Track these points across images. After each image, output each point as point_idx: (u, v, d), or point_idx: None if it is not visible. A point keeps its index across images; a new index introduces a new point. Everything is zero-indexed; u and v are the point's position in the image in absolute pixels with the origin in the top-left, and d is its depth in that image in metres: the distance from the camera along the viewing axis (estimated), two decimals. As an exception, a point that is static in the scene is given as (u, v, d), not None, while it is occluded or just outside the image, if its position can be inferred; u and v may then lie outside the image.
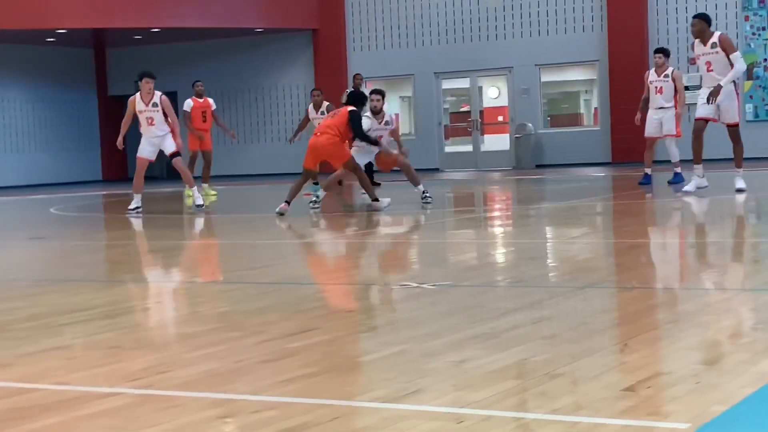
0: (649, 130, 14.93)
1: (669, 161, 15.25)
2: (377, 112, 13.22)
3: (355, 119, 12.51)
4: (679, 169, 14.79)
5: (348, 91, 16.64)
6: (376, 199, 12.65)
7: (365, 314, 5.82)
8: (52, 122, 28.79)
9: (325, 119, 13.12)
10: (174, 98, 26.49)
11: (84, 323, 5.61)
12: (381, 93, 13.42)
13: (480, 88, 26.19)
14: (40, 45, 27.54)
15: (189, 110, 18.05)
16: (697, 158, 12.53)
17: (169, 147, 14.19)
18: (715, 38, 12.38)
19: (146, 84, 14.12)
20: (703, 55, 12.44)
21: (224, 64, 28.18)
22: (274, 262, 8.52)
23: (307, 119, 17.55)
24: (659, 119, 14.81)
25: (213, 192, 17.53)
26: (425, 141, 25.59)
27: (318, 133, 12.79)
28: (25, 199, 20.80)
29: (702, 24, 12.60)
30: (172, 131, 14.19)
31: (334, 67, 26.72)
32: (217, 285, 7.40)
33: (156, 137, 14.20)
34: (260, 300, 6.30)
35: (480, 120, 25.99)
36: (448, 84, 26.35)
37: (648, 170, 14.95)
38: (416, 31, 26.05)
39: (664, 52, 15.07)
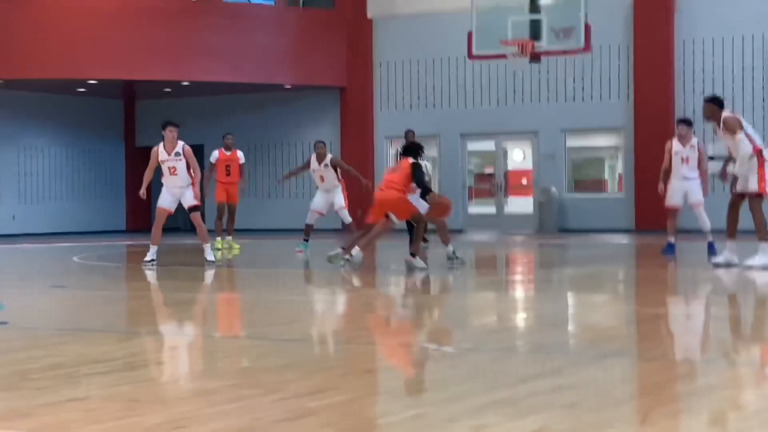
0: (674, 200, 14.82)
1: (689, 230, 15.14)
2: None
3: (417, 170, 12.90)
4: (711, 238, 14.59)
5: (403, 145, 16.71)
6: (414, 255, 12.75)
7: (385, 375, 5.80)
8: (78, 171, 29.00)
9: (388, 174, 13.25)
10: (201, 151, 26.66)
11: (103, 375, 5.61)
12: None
13: (505, 151, 26.26)
14: (70, 94, 27.83)
15: (214, 162, 18.19)
16: (730, 231, 12.32)
17: (189, 200, 14.18)
18: (721, 122, 12.34)
19: (170, 132, 14.21)
20: (719, 137, 12.45)
21: (252, 118, 28.38)
22: (295, 319, 8.51)
23: (307, 167, 17.59)
24: (684, 189, 14.72)
25: (237, 245, 17.58)
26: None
27: (384, 188, 13.00)
28: (49, 247, 20.90)
29: (711, 107, 12.57)
30: (193, 183, 14.22)
31: (361, 125, 26.87)
32: (236, 340, 7.39)
33: (177, 188, 14.23)
34: (279, 357, 6.29)
35: (504, 182, 26.03)
36: (473, 146, 26.43)
37: (671, 239, 14.85)
38: (443, 92, 26.19)
39: (688, 122, 14.97)
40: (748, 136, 12.21)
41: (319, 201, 16.96)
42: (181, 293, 11.15)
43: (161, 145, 14.27)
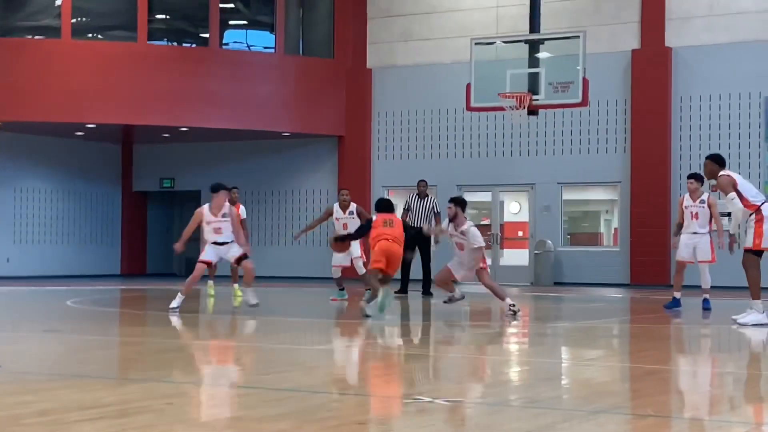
0: (682, 254, 14.82)
1: (696, 286, 15.14)
2: (451, 219, 13.94)
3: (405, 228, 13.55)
4: (708, 296, 14.70)
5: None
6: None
7: (377, 427, 5.77)
8: (74, 214, 29.01)
9: (389, 228, 13.38)
10: (197, 197, 26.74)
11: (94, 421, 5.57)
12: (456, 201, 14.01)
13: (501, 203, 26.31)
14: (68, 137, 27.90)
15: None
16: (755, 291, 12.22)
17: (236, 252, 14.47)
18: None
19: (221, 197, 14.42)
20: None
21: (250, 165, 28.44)
22: (290, 368, 8.48)
23: (327, 217, 17.48)
24: (693, 244, 14.74)
25: (239, 293, 17.54)
26: (445, 251, 25.59)
27: (390, 240, 13.24)
28: (43, 290, 20.85)
29: (711, 165, 12.67)
30: (237, 240, 14.47)
31: (359, 174, 26.94)
32: (230, 389, 7.36)
33: (223, 245, 14.46)
34: (273, 407, 6.26)
35: (500, 234, 26.05)
36: (470, 197, 26.28)
37: (677, 294, 14.84)
38: (440, 142, 26.29)
39: (697, 177, 14.87)
40: (740, 195, 12.22)
41: (338, 256, 16.60)
42: (176, 340, 11.11)
43: (207, 206, 14.47)
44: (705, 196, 14.75)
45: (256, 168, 28.46)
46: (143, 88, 24.44)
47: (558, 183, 25.17)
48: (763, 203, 12.23)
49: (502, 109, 20.65)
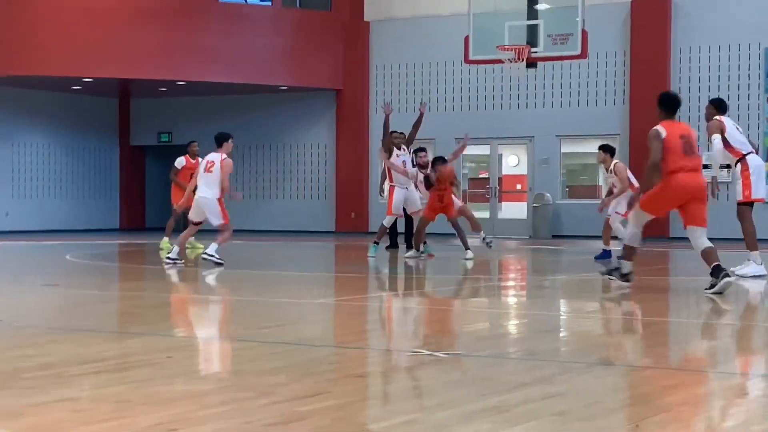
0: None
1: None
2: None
3: None
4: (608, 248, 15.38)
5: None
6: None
7: (376, 380, 5.80)
8: (72, 169, 28.96)
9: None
10: (195, 151, 26.64)
11: (94, 375, 5.60)
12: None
13: (500, 156, 26.27)
14: (65, 92, 27.80)
15: (180, 168, 18.19)
16: (751, 243, 12.16)
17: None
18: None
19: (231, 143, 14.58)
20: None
21: (247, 119, 28.36)
22: (287, 322, 8.50)
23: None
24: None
25: (200, 245, 17.27)
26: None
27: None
28: (41, 245, 20.87)
29: (709, 108, 12.66)
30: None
31: (356, 128, 26.87)
32: (229, 342, 7.38)
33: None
34: (272, 360, 6.28)
35: (498, 187, 26.03)
36: (468, 150, 26.37)
37: (607, 247, 15.56)
38: (438, 96, 26.19)
39: (605, 149, 15.72)
40: (726, 141, 12.19)
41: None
42: (174, 294, 11.14)
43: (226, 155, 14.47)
44: (612, 165, 15.46)
45: (253, 122, 28.38)
46: (140, 42, 24.32)
47: (556, 136, 25.12)
48: (748, 153, 12.24)
49: (500, 61, 20.56)
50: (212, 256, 13.86)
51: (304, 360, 6.36)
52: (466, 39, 20.78)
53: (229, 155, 14.49)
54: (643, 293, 10.77)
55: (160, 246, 17.59)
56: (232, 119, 28.06)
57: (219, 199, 14.23)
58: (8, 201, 27.42)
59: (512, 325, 8.58)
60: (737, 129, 12.53)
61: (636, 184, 14.92)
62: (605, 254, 15.40)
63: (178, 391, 5.18)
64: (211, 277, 12.92)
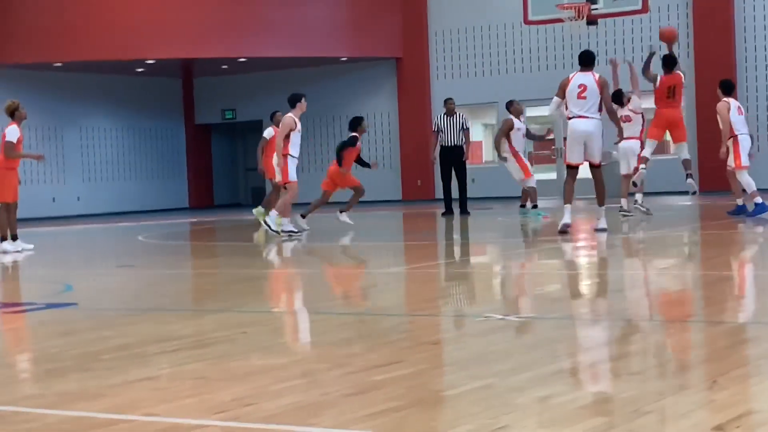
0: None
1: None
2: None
3: None
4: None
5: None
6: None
7: (450, 347, 5.82)
8: (139, 151, 29.29)
9: None
10: (259, 127, 26.79)
11: (172, 353, 5.68)
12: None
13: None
14: (129, 75, 28.08)
15: (269, 138, 18.14)
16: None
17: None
18: None
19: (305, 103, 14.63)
20: None
21: (309, 91, 28.28)
22: (358, 293, 8.54)
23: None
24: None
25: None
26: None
27: None
28: (114, 227, 21.17)
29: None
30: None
31: (418, 95, 26.83)
32: (301, 315, 7.44)
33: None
34: (344, 331, 6.33)
35: (564, 148, 25.78)
36: (532, 112, 26.24)
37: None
38: (500, 58, 26.03)
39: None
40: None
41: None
42: (246, 269, 11.23)
43: (294, 114, 14.50)
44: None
45: (315, 95, 28.36)
46: (200, 21, 24.47)
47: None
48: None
49: (560, 21, 20.36)
50: (269, 226, 14.03)
51: (376, 330, 6.39)
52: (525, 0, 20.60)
53: (298, 117, 14.49)
54: (715, 247, 10.65)
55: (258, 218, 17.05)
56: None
57: (284, 156, 14.27)
58: (79, 185, 27.81)
59: (584, 286, 8.53)
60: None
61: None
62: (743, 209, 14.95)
63: (255, 366, 5.25)
64: (280, 251, 13.01)
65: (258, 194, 28.29)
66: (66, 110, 27.42)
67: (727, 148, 14.55)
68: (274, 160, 14.60)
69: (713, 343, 5.46)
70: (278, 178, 14.47)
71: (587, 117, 13.00)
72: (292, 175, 14.28)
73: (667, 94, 15.25)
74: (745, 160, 14.64)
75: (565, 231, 12.60)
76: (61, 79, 26.91)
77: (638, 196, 15.68)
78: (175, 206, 29.53)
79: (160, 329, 6.64)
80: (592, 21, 20.39)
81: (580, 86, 12.99)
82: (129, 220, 23.46)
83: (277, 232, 14.12)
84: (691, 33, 23.87)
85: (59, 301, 8.35)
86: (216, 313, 7.51)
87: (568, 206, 12.96)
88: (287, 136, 14.25)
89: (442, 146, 18.56)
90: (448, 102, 18.91)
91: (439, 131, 18.67)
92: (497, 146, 16.99)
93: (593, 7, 19.81)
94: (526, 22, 21.10)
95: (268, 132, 18.16)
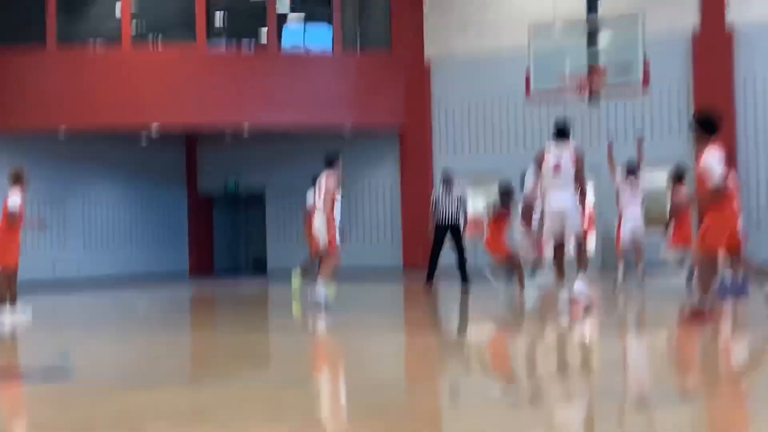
0: None
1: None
2: None
3: None
4: None
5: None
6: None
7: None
8: (141, 219, 29.33)
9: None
10: (262, 199, 26.94)
11: (168, 425, 5.64)
12: None
13: (566, 191, 26.10)
14: (133, 145, 28.22)
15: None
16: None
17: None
18: None
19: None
20: None
21: (312, 164, 28.45)
22: (358, 362, 8.47)
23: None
24: None
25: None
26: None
27: None
28: (112, 294, 21.12)
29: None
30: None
31: (421, 168, 26.95)
32: (300, 385, 7.39)
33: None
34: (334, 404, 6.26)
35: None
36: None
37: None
38: (502, 134, 26.19)
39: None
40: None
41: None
42: (245, 336, 11.18)
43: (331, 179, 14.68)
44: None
45: (318, 167, 28.50)
46: (204, 92, 24.67)
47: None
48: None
49: (562, 94, 20.52)
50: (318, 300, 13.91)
51: (370, 401, 6.35)
52: (527, 71, 20.79)
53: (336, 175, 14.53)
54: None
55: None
56: (297, 166, 28.26)
57: (328, 219, 14.29)
58: (80, 252, 27.82)
59: (584, 361, 8.47)
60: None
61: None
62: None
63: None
64: (301, 321, 12.95)
65: (258, 264, 28.47)
66: (68, 177, 27.52)
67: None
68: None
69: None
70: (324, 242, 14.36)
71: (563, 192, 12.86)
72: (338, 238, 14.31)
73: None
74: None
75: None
76: (64, 147, 27.04)
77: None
78: (176, 275, 29.48)
79: (157, 400, 6.59)
80: (594, 96, 20.57)
81: (555, 161, 12.91)
82: (128, 287, 23.41)
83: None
84: (691, 110, 24.01)
85: (55, 372, 8.30)
86: (214, 384, 7.46)
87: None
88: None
89: (437, 223, 18.60)
90: (445, 171, 18.98)
91: (436, 205, 18.73)
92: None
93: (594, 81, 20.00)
94: (528, 94, 21.25)
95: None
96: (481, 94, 26.37)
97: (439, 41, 27.05)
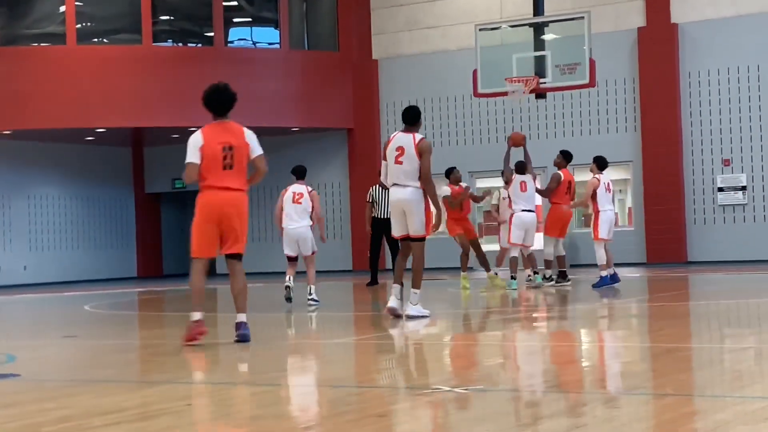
0: None
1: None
2: None
3: None
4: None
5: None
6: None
7: (396, 419, 5.77)
8: (88, 219, 29.09)
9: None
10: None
11: (115, 426, 5.58)
12: None
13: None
14: (78, 143, 27.96)
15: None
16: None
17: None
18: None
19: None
20: None
21: (260, 162, 28.43)
22: (302, 364, 8.46)
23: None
24: None
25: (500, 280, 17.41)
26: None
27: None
28: (60, 297, 20.91)
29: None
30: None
31: (369, 166, 26.92)
32: (249, 387, 7.36)
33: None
34: (292, 404, 6.25)
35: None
36: (481, 183, 26.45)
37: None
38: (450, 130, 26.25)
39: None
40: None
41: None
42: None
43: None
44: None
45: (267, 165, 28.43)
46: (150, 90, 24.49)
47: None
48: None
49: (508, 94, 20.59)
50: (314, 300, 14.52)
51: (324, 402, 6.33)
52: (474, 73, 20.85)
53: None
54: (662, 319, 10.70)
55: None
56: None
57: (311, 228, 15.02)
58: (26, 254, 27.53)
59: (532, 357, 8.52)
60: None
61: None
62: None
63: (199, 439, 5.16)
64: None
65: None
66: (12, 178, 27.22)
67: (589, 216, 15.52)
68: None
69: (659, 416, 5.46)
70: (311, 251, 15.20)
71: (403, 185, 11.52)
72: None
73: (566, 191, 17.13)
74: (603, 233, 16.22)
75: (395, 315, 11.34)
76: (9, 147, 26.74)
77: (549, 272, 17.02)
78: (124, 275, 29.27)
79: (103, 401, 6.52)
80: (540, 94, 20.67)
81: (398, 149, 11.55)
82: (75, 289, 23.18)
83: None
84: (638, 108, 24.25)
85: (1, 372, 8.20)
86: (160, 384, 7.40)
87: (396, 287, 11.51)
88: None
89: (374, 218, 18.49)
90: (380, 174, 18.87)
91: (373, 202, 18.57)
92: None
93: (541, 80, 20.09)
94: (476, 94, 21.34)
95: (445, 190, 17.36)
96: (428, 92, 26.43)
97: (387, 40, 27.07)
